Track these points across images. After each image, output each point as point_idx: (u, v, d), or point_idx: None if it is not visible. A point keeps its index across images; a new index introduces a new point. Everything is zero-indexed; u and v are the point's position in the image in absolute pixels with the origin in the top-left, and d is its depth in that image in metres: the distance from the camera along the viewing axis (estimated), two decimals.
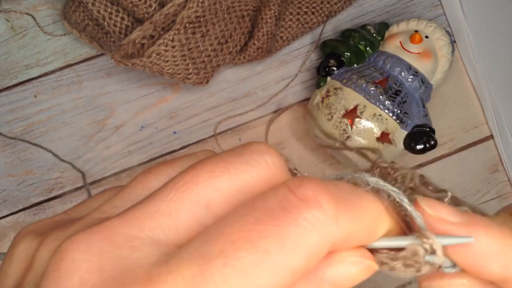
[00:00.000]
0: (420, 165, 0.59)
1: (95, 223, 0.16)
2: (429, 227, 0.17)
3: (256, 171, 0.17)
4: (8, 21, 0.60)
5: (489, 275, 0.17)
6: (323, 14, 0.59)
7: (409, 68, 0.53)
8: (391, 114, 0.52)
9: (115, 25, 0.53)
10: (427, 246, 0.16)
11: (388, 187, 0.17)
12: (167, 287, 0.14)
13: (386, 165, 0.20)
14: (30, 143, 0.58)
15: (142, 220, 0.16)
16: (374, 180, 0.17)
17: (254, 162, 0.17)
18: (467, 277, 0.17)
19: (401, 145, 0.53)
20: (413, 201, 0.18)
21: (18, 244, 0.18)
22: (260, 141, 0.18)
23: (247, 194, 0.17)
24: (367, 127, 0.52)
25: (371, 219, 0.17)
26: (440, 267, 0.17)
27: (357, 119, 0.52)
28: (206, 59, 0.53)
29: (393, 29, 0.57)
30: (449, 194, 0.19)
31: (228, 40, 0.54)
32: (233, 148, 0.18)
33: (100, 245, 0.15)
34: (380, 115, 0.51)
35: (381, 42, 0.57)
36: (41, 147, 0.58)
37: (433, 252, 0.16)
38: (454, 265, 0.17)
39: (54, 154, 0.58)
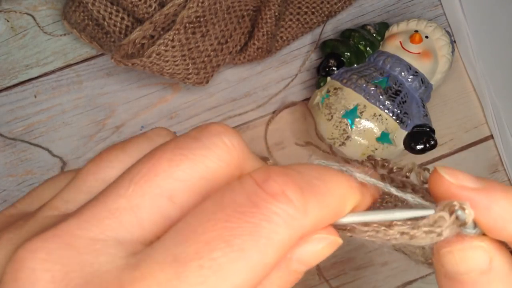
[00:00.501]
0: (420, 165, 0.59)
1: (49, 224, 0.15)
2: (450, 194, 0.18)
3: (215, 154, 0.16)
4: (8, 21, 0.60)
5: (507, 237, 0.18)
6: (323, 14, 0.59)
7: (409, 68, 0.53)
8: (391, 114, 0.52)
9: (115, 25, 0.53)
10: (457, 210, 0.17)
11: (373, 181, 0.18)
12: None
13: (379, 159, 0.20)
14: (29, 143, 0.58)
15: (102, 220, 0.15)
16: (361, 176, 0.18)
17: (212, 145, 0.16)
18: (486, 240, 0.18)
19: (401, 145, 0.53)
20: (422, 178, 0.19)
21: None
22: (217, 122, 0.17)
23: (210, 180, 0.16)
24: (367, 127, 0.52)
25: (337, 202, 0.17)
26: (462, 224, 0.17)
27: (357, 119, 0.52)
28: (206, 59, 0.53)
29: (393, 29, 0.57)
30: None
31: (228, 40, 0.54)
32: (189, 131, 0.17)
33: (60, 252, 0.14)
34: (380, 115, 0.51)
35: (381, 42, 0.57)
36: (40, 146, 0.58)
37: (457, 218, 0.17)
38: (474, 226, 0.18)
39: (49, 151, 0.58)
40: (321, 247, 0.17)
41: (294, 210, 0.15)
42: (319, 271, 0.57)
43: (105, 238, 0.15)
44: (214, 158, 0.16)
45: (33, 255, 0.14)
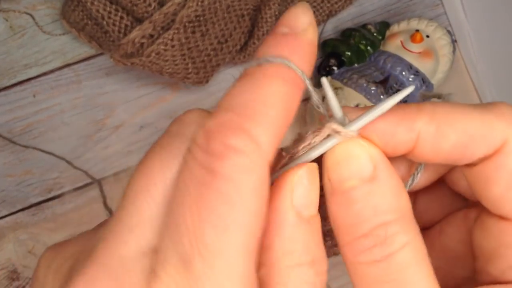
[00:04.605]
0: None
1: None
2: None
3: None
4: (7, 20, 0.60)
5: (427, 155, 0.18)
6: (323, 13, 0.59)
7: (410, 67, 0.53)
8: None
9: (114, 24, 0.53)
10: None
11: (307, 81, 0.18)
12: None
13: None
14: (42, 150, 0.58)
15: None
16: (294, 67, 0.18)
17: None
18: (371, 146, 0.18)
19: None
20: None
21: None
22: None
23: None
24: None
25: (283, 110, 0.17)
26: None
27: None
28: (205, 58, 0.53)
29: (394, 28, 0.57)
30: None
31: (228, 39, 0.54)
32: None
33: None
34: None
35: (382, 42, 0.57)
36: (46, 151, 0.58)
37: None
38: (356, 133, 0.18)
39: (56, 156, 0.58)
40: (306, 181, 0.17)
41: (244, 156, 0.15)
42: None
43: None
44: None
45: None
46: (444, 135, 0.18)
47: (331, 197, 0.18)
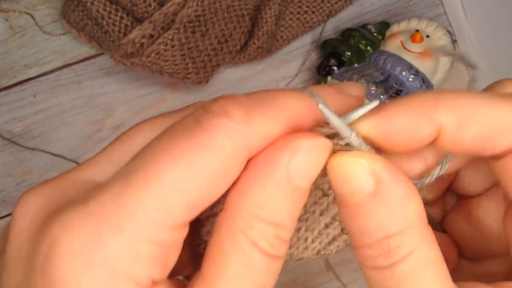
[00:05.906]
0: None
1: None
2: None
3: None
4: (6, 20, 0.60)
5: (405, 148, 0.18)
6: (323, 13, 0.59)
7: (410, 67, 0.53)
8: None
9: (114, 24, 0.53)
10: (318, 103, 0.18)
11: (321, 105, 0.18)
12: (96, 201, 0.17)
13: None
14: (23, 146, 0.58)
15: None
16: (320, 100, 0.18)
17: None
18: (372, 160, 0.17)
19: None
20: None
21: None
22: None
23: None
24: None
25: (286, 113, 0.18)
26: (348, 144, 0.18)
27: None
28: (206, 58, 0.53)
29: (394, 28, 0.57)
30: None
31: (228, 39, 0.54)
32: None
33: None
34: None
35: (381, 42, 0.57)
36: (36, 149, 0.58)
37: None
38: (361, 144, 0.18)
39: (53, 154, 0.58)
40: (312, 154, 0.17)
41: (233, 122, 0.17)
42: (329, 266, 0.57)
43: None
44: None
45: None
46: (466, 126, 0.17)
47: (338, 206, 0.18)
